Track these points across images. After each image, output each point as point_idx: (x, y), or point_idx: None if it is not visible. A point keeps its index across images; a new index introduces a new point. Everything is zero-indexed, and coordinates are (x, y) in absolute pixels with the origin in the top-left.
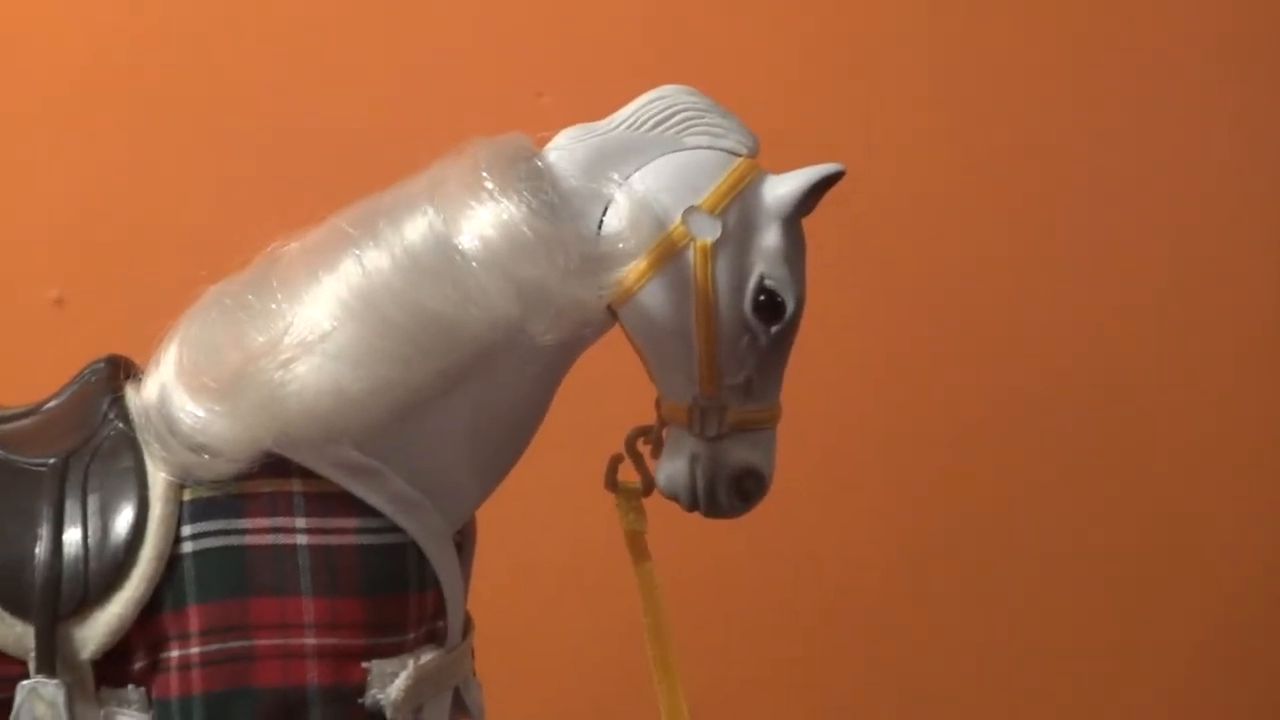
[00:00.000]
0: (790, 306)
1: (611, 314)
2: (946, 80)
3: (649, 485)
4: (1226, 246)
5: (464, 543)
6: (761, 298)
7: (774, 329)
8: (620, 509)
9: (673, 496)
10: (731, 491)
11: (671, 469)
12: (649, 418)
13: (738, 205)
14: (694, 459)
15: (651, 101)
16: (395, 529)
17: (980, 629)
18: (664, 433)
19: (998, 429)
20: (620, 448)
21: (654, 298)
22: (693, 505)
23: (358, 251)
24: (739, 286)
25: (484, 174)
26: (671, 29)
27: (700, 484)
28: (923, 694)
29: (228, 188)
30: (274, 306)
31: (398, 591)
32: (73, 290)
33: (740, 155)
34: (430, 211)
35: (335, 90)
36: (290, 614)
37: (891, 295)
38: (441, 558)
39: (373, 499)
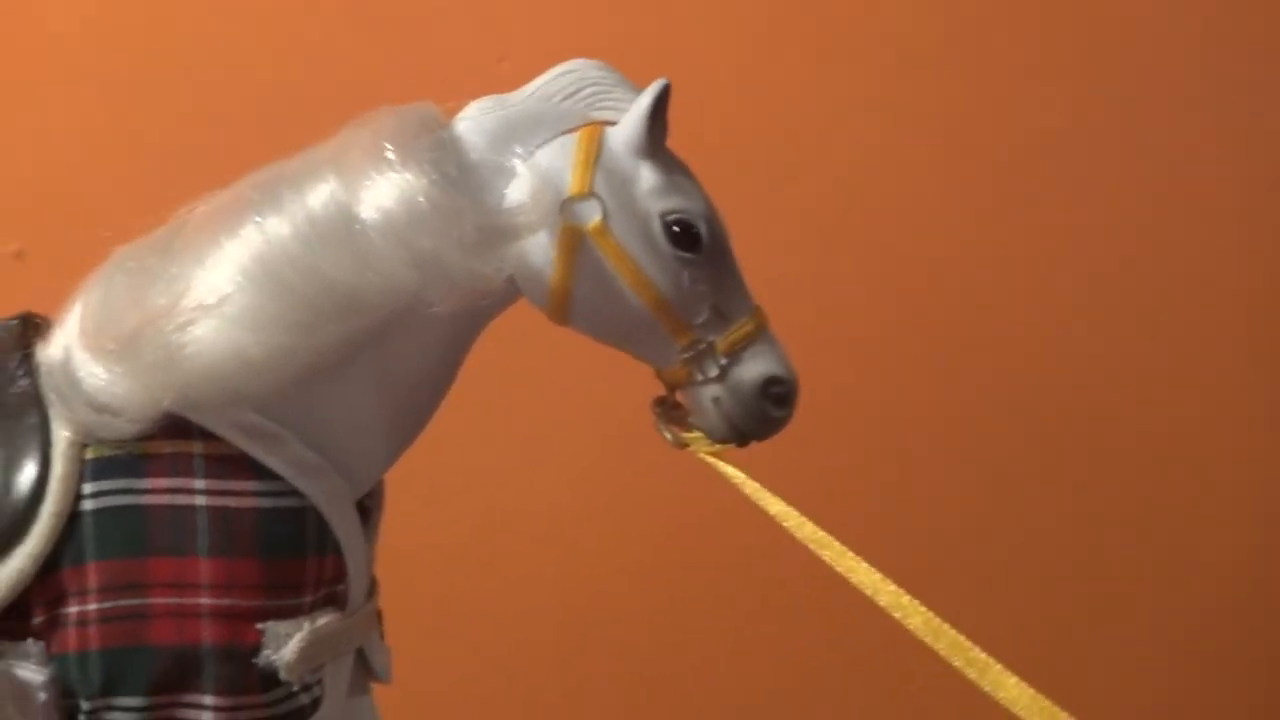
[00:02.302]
0: (702, 225)
1: (514, 288)
2: (952, 69)
3: (680, 443)
4: (1245, 241)
5: (371, 507)
6: (675, 230)
7: (701, 253)
8: (700, 454)
9: (723, 442)
10: (766, 405)
11: (706, 421)
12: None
13: (601, 173)
14: (716, 401)
15: (561, 75)
16: (295, 493)
17: (981, 629)
18: (679, 395)
19: (1002, 421)
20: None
21: (588, 297)
22: (743, 438)
23: (259, 218)
24: (648, 237)
25: (387, 144)
26: None
27: (736, 417)
28: (925, 692)
29: (185, 144)
30: (175, 270)
31: (295, 555)
32: (33, 244)
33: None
34: (332, 180)
35: (292, 52)
36: (187, 574)
37: (883, 286)
38: (343, 522)
39: (272, 462)
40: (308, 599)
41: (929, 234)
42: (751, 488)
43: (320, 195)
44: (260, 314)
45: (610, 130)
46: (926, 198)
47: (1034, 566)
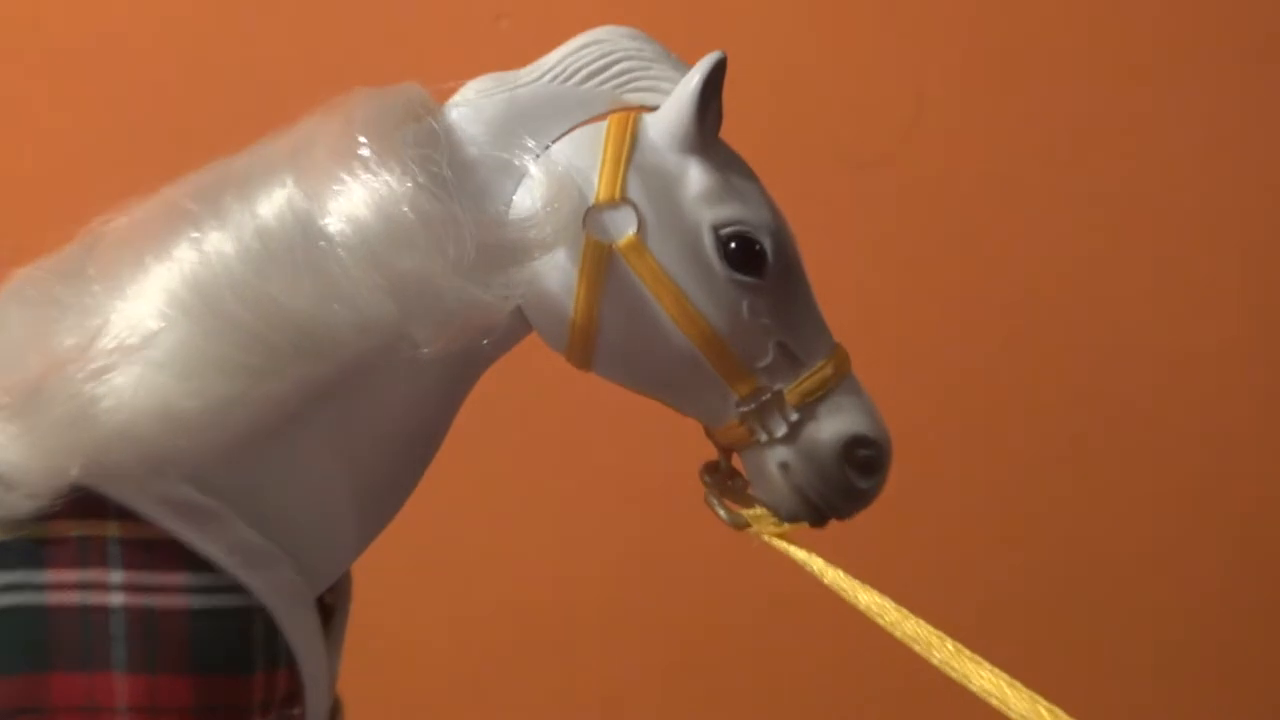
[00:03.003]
0: (767, 240)
1: (524, 322)
2: (997, 43)
3: (739, 522)
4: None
5: (334, 605)
6: (732, 247)
7: (766, 276)
8: (764, 537)
9: (794, 520)
10: (849, 473)
11: (772, 494)
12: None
13: (635, 173)
14: (785, 469)
15: (584, 47)
16: (236, 588)
17: (981, 629)
18: (734, 459)
19: (1027, 415)
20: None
21: (618, 333)
22: (820, 515)
23: (196, 232)
24: (697, 256)
25: (360, 138)
26: None
27: (810, 488)
28: (924, 694)
29: (148, 122)
30: (88, 301)
31: (237, 669)
32: None
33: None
34: (290, 184)
35: (272, 9)
36: (99, 694)
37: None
38: (298, 625)
39: (209, 548)
40: None
41: (975, 209)
42: (833, 575)
43: (274, 203)
44: (194, 356)
45: (648, 118)
46: (975, 170)
47: (1040, 567)
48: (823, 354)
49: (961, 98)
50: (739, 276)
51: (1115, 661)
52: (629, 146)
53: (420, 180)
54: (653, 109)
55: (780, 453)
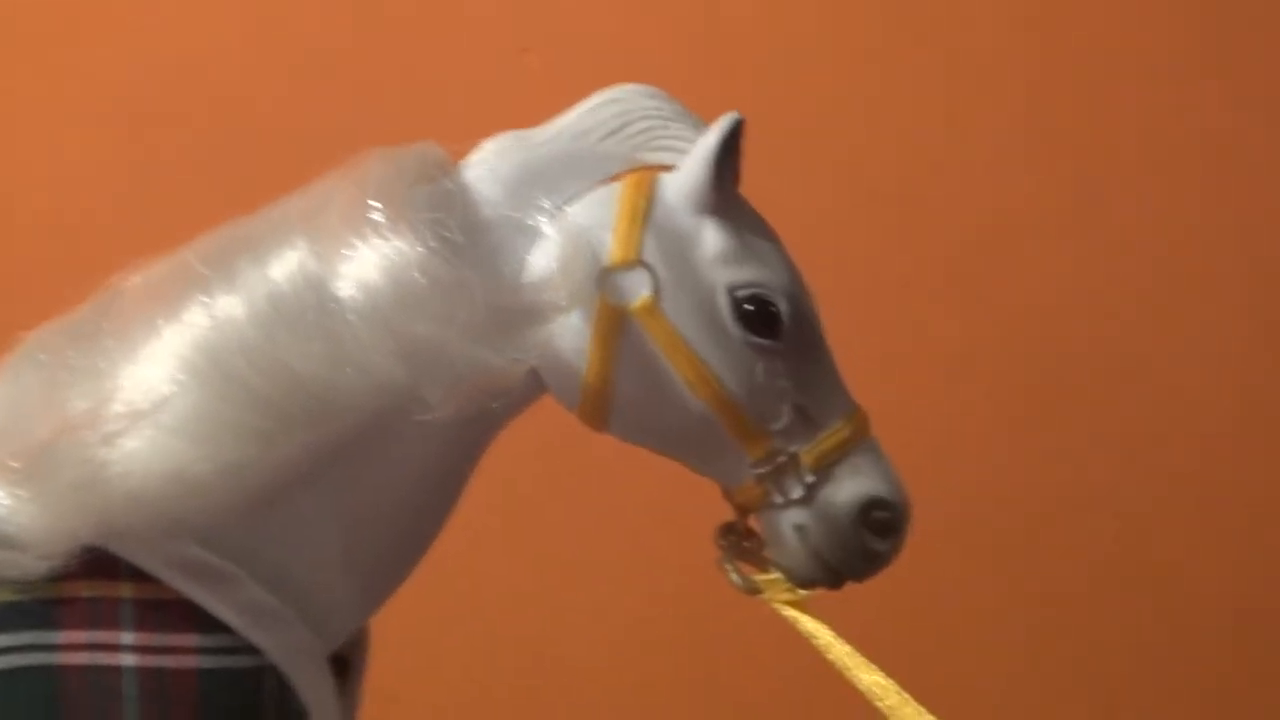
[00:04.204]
0: (783, 303)
1: (538, 382)
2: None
3: (751, 588)
4: None
5: (351, 660)
6: (748, 309)
7: (782, 339)
8: (775, 605)
9: (809, 585)
10: (865, 535)
11: (787, 556)
12: None
13: (650, 234)
14: (801, 531)
15: (602, 105)
16: (248, 649)
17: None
18: (750, 521)
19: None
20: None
21: (632, 395)
22: (836, 577)
23: (206, 297)
24: (711, 319)
25: (372, 201)
26: None
27: (827, 551)
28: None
29: (163, 161)
30: (100, 364)
31: None
32: None
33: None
34: (302, 247)
35: (297, 45)
36: None
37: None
38: (310, 684)
39: (220, 609)
40: None
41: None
42: (839, 652)
43: (286, 267)
44: (207, 421)
45: (665, 178)
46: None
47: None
48: (840, 416)
49: (989, 121)
50: (754, 339)
51: (1120, 669)
52: (645, 207)
53: (432, 244)
54: (670, 168)
55: (796, 515)
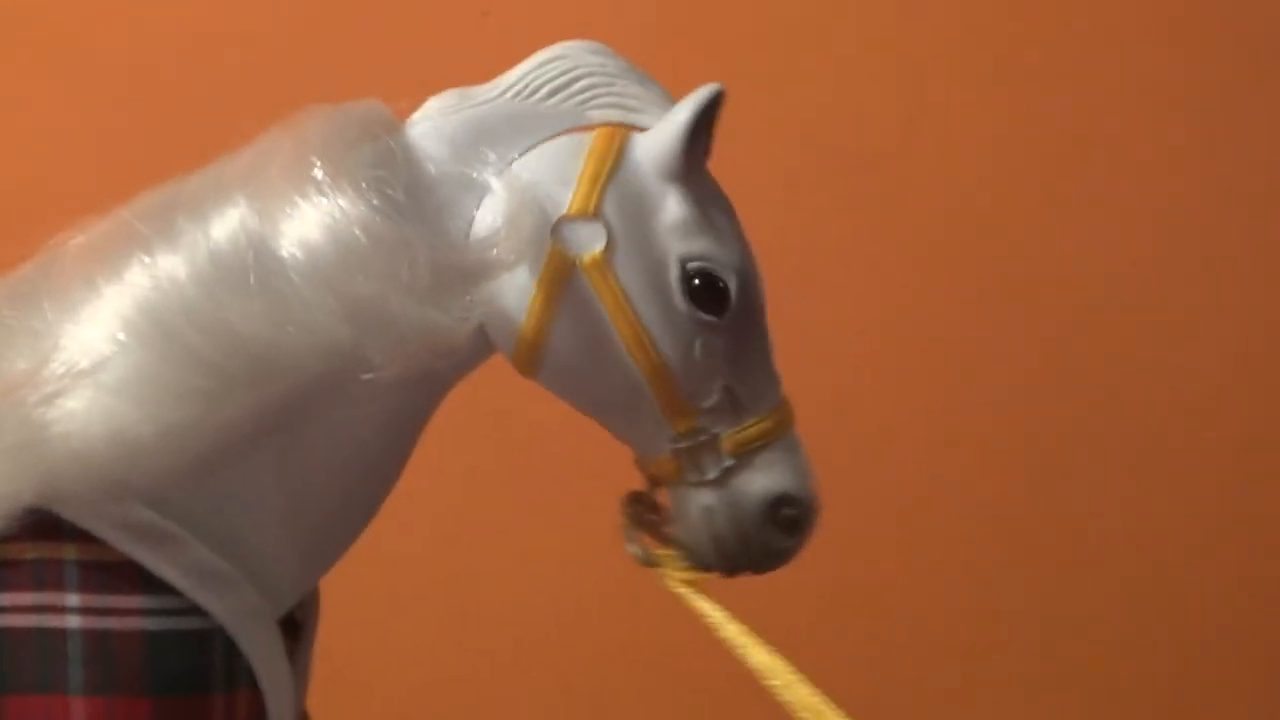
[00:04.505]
0: (733, 282)
1: (487, 341)
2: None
3: (649, 560)
4: None
5: (302, 621)
6: (695, 283)
7: (726, 317)
8: (670, 581)
9: (705, 567)
10: (770, 530)
11: (689, 535)
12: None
13: (613, 190)
14: (708, 513)
15: (547, 63)
16: (194, 610)
17: (987, 632)
18: (659, 495)
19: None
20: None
21: (566, 346)
22: (732, 567)
23: (147, 256)
24: (659, 286)
25: (314, 158)
26: None
27: (731, 540)
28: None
29: (119, 121)
30: (39, 324)
31: (196, 690)
32: None
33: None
34: (243, 205)
35: (256, 3)
36: (55, 716)
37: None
38: (259, 646)
39: (166, 571)
40: None
41: (974, 215)
42: (731, 631)
43: (227, 225)
44: (149, 382)
45: (637, 137)
46: (973, 175)
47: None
48: (768, 406)
49: (960, 98)
50: (698, 313)
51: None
52: (613, 163)
53: (374, 203)
54: (617, 125)
55: (706, 496)
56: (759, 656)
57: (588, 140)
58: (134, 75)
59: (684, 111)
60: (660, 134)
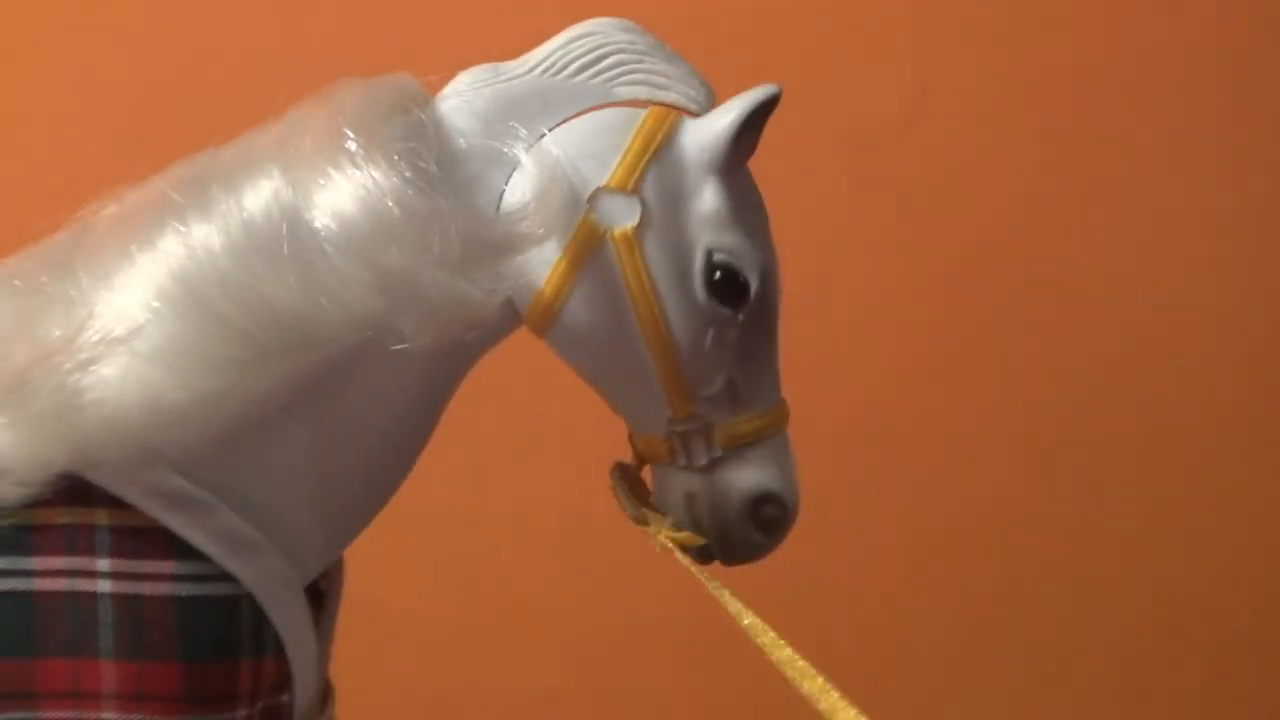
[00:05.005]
0: (755, 280)
1: (514, 314)
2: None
3: (640, 518)
4: None
5: (326, 591)
6: (716, 276)
7: (742, 312)
8: (659, 539)
9: (678, 547)
10: (748, 526)
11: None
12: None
13: (655, 170)
14: (690, 499)
15: (576, 40)
16: (224, 576)
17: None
18: (646, 470)
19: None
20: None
21: (582, 312)
22: (706, 556)
23: (181, 225)
24: (683, 271)
25: (347, 130)
26: None
27: (709, 528)
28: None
29: (141, 93)
30: (74, 292)
31: (225, 656)
32: None
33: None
34: (277, 176)
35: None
36: (85, 679)
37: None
38: (286, 613)
39: (197, 537)
40: (241, 713)
41: (983, 195)
42: (720, 590)
43: (261, 196)
44: (182, 349)
45: (687, 122)
46: (982, 156)
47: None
48: (766, 405)
49: (963, 78)
50: (716, 305)
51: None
52: (660, 143)
53: (406, 175)
54: (645, 103)
55: (692, 481)
56: (747, 617)
57: (638, 116)
58: (135, 59)
59: (736, 108)
60: (709, 124)
